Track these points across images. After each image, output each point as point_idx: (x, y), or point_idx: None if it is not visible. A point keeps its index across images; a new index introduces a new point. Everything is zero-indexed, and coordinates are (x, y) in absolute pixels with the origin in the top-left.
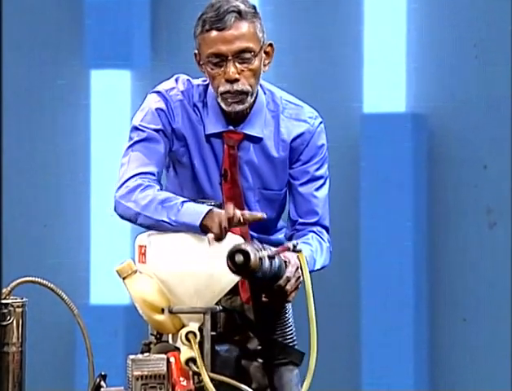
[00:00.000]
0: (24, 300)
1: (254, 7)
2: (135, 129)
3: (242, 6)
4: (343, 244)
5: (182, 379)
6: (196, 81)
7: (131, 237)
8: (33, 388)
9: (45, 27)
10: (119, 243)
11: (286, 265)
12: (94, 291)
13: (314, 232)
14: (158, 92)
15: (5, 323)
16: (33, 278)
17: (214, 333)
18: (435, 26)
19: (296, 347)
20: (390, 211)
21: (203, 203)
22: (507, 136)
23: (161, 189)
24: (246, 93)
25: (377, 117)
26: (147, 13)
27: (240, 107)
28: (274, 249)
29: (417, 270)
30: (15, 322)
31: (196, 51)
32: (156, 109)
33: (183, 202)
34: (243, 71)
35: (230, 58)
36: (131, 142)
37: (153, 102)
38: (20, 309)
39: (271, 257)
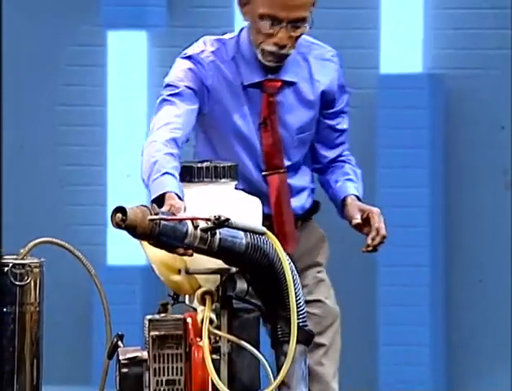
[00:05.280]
0: (41, 260)
1: None
2: (167, 85)
3: None
4: None
5: (198, 339)
6: (224, 37)
7: (148, 198)
8: (50, 347)
9: None
10: (136, 205)
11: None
12: (112, 251)
13: (345, 162)
14: (189, 57)
15: (23, 283)
16: (51, 239)
17: (231, 294)
18: None
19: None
20: (406, 174)
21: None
22: None
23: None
24: (287, 55)
25: (394, 78)
26: None
27: (277, 65)
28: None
29: (433, 232)
30: (32, 282)
31: None
32: (189, 69)
33: (167, 173)
34: (291, 37)
35: (284, 24)
36: (162, 97)
37: (185, 64)
38: (38, 270)
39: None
